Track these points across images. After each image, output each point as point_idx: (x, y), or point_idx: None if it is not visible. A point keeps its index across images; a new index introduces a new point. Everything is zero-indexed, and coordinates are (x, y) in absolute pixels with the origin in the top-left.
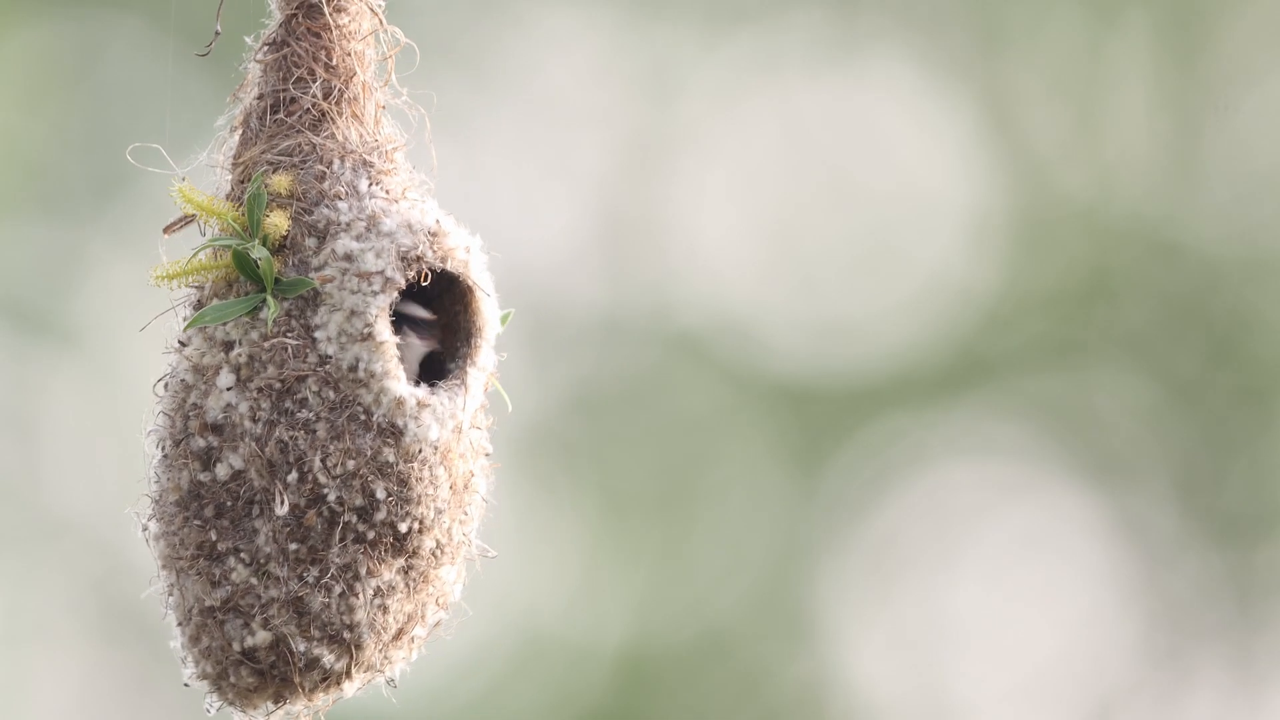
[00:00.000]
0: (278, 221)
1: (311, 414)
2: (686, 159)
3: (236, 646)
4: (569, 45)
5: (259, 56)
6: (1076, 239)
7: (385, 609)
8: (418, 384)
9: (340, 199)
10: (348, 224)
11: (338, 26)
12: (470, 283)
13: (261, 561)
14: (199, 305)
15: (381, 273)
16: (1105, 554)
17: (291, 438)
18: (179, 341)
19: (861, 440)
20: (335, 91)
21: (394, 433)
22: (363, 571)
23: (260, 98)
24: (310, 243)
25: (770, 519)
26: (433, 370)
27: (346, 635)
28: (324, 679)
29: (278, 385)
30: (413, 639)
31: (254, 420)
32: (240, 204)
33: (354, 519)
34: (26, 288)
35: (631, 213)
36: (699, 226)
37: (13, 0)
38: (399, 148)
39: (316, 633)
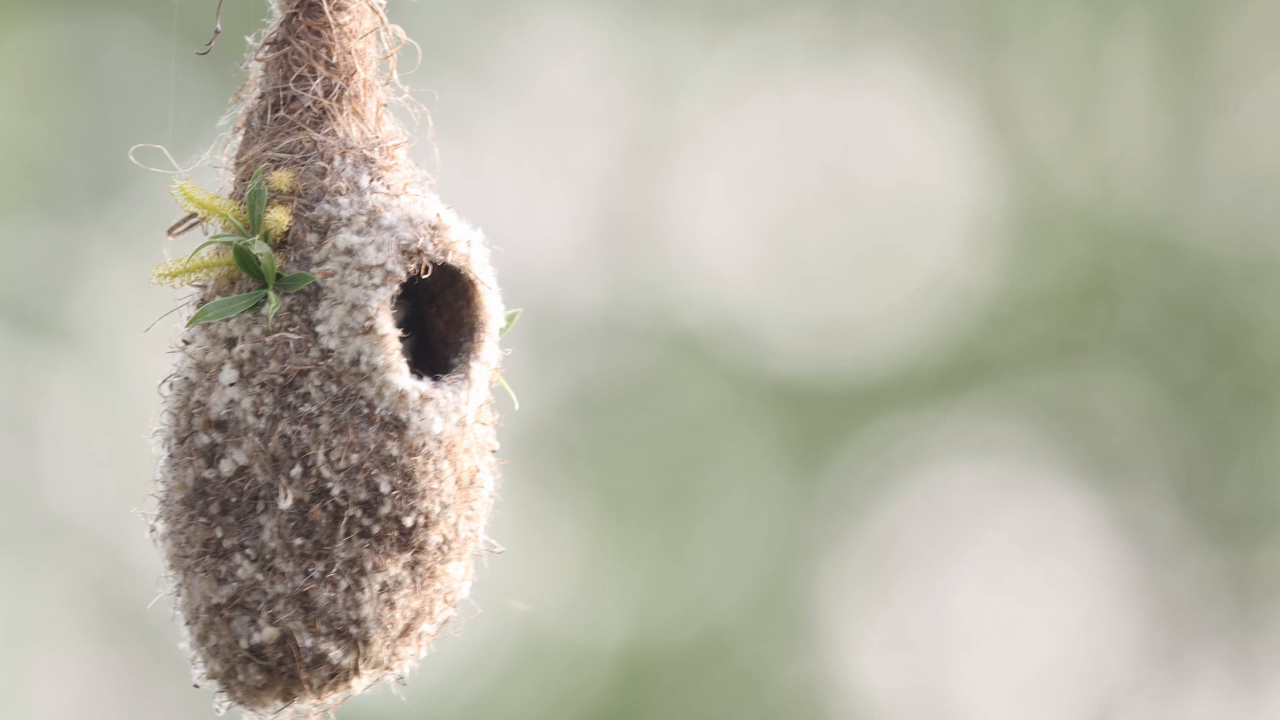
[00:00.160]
0: (279, 217)
1: (314, 408)
2: (686, 159)
3: (244, 643)
4: (569, 45)
5: (260, 55)
6: (1076, 239)
7: (392, 604)
8: (420, 377)
9: (341, 194)
10: (349, 219)
11: (338, 25)
12: (472, 276)
13: (267, 557)
14: (202, 304)
15: (382, 266)
16: (1105, 554)
17: (295, 432)
18: (182, 340)
19: (861, 440)
20: (336, 89)
21: (397, 426)
22: (368, 566)
23: (262, 96)
24: (311, 238)
25: (770, 519)
26: (436, 365)
27: (353, 631)
28: (331, 675)
29: (280, 380)
30: (420, 635)
31: (257, 415)
32: (242, 202)
33: (359, 513)
34: (26, 288)
35: (631, 213)
36: (699, 226)
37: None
38: (400, 144)
39: (323, 628)
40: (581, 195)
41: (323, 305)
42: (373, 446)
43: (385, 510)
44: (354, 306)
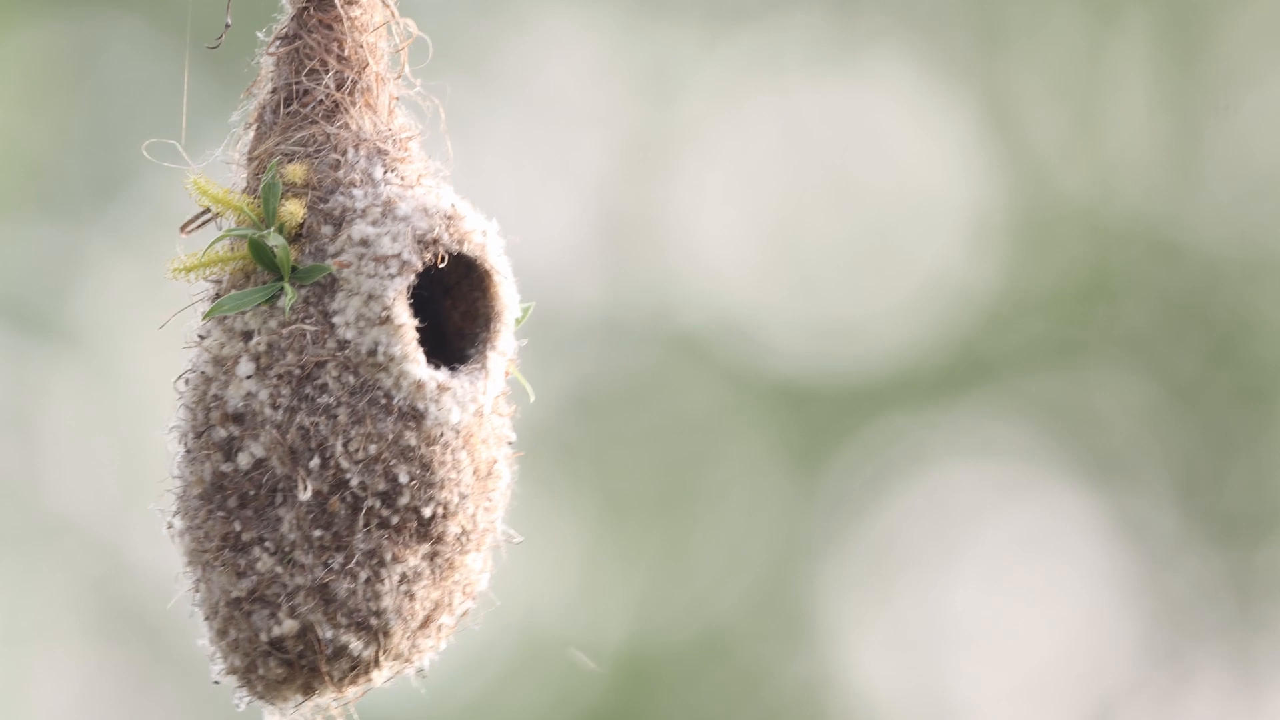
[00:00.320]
0: (293, 210)
1: (332, 399)
2: (686, 159)
3: (264, 637)
4: (569, 45)
5: (272, 50)
6: (1076, 239)
7: (412, 595)
8: (438, 367)
9: (355, 186)
10: (363, 210)
11: (349, 19)
12: (487, 266)
13: (286, 550)
14: (217, 299)
15: (398, 256)
16: (1105, 554)
17: (313, 423)
18: (198, 335)
19: (861, 440)
20: (348, 82)
21: (415, 416)
22: (388, 557)
23: (274, 91)
24: (326, 230)
25: (770, 519)
26: (452, 360)
27: (374, 622)
28: (352, 667)
29: (297, 371)
30: (440, 627)
31: (274, 408)
32: (256, 196)
33: (377, 504)
34: (26, 288)
35: (631, 213)
36: (699, 226)
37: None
38: (413, 137)
39: (343, 620)
40: (581, 195)
41: (339, 296)
42: (391, 437)
43: (404, 501)
44: (370, 297)
